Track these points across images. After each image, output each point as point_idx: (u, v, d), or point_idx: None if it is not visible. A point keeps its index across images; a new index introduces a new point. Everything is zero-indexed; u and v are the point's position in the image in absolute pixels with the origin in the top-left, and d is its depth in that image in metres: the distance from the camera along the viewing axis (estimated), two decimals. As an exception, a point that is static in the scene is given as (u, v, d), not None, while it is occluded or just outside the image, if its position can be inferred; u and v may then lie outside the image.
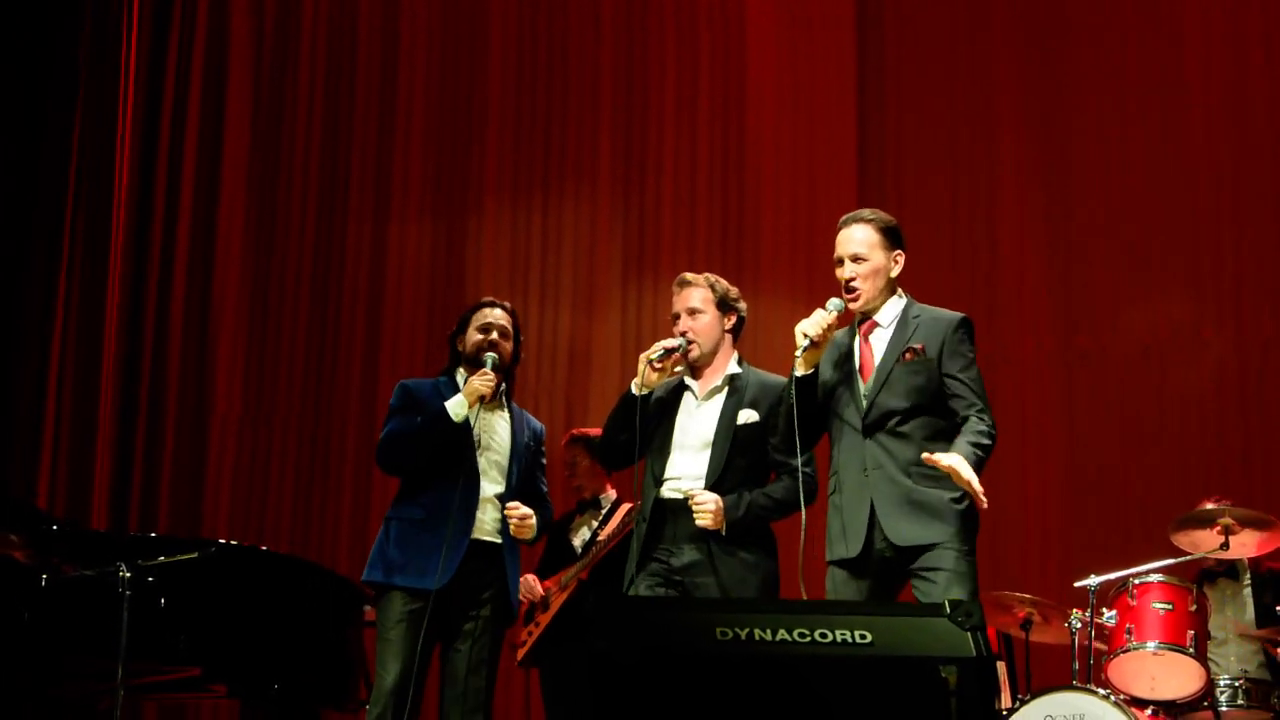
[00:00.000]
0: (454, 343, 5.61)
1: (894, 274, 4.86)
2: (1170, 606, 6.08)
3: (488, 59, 9.73)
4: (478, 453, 5.38)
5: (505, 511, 5.32)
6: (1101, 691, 5.70)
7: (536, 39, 9.74)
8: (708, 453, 5.10)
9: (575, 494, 7.02)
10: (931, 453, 4.50)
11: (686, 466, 5.10)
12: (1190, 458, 8.30)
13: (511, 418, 5.54)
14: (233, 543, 6.08)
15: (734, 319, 5.30)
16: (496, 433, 5.47)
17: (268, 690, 5.72)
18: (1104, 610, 6.17)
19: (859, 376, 4.78)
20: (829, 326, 4.73)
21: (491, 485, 5.39)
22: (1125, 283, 8.67)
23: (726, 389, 5.20)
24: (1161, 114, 8.73)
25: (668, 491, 5.09)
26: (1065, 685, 5.80)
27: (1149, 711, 5.86)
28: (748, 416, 5.13)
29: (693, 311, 5.24)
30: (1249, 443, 8.26)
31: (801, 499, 4.85)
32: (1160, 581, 6.15)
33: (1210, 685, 6.14)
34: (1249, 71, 8.61)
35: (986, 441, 4.58)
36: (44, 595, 5.32)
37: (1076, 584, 6.22)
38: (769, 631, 3.56)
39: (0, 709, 5.53)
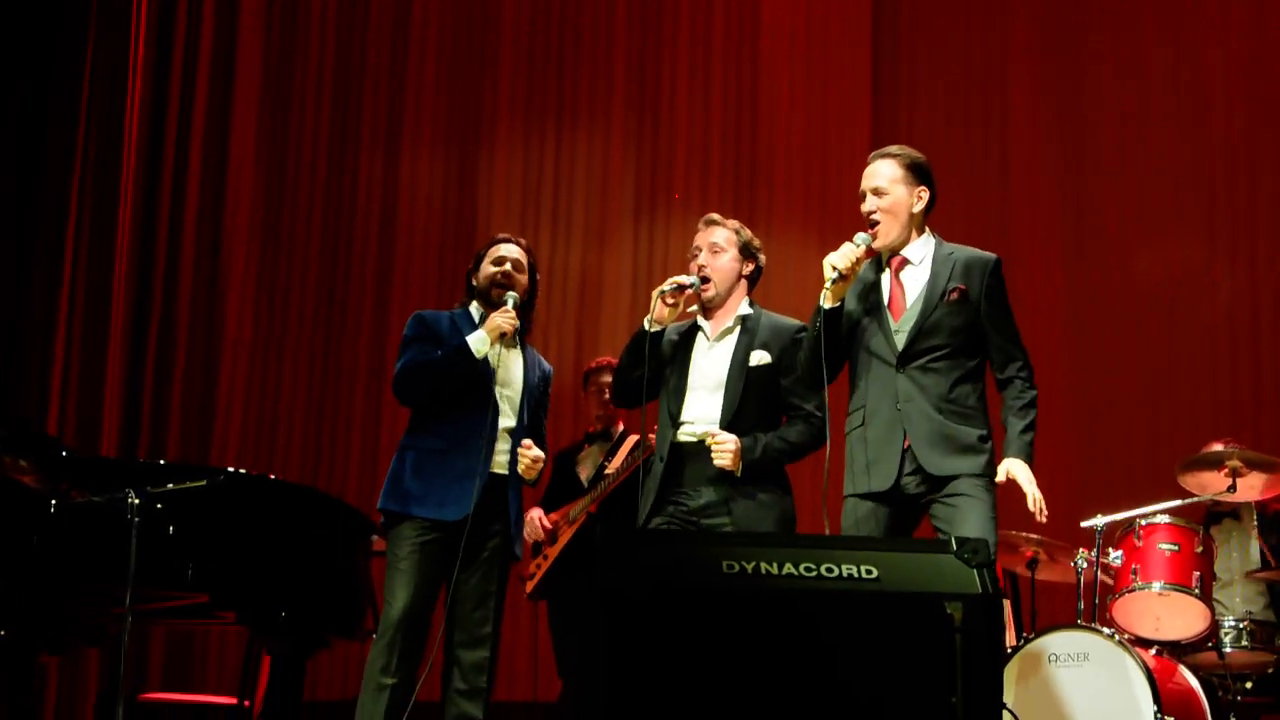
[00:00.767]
0: (470, 278, 5.59)
1: (916, 210, 4.84)
2: (1176, 547, 6.10)
3: (502, -10, 9.70)
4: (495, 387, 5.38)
5: (520, 450, 5.32)
6: (1106, 631, 5.73)
7: (552, -28, 9.70)
8: (721, 394, 5.09)
9: (596, 422, 7.01)
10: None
11: (701, 408, 5.09)
12: (1199, 399, 8.30)
13: (525, 356, 5.53)
14: (241, 471, 6.10)
15: (752, 266, 5.27)
16: (511, 369, 5.47)
17: (275, 617, 5.74)
18: (1110, 550, 6.19)
19: (888, 311, 4.78)
20: (858, 260, 4.73)
21: (504, 420, 5.38)
22: (1137, 224, 8.65)
23: (738, 330, 5.18)
24: (1175, 55, 8.69)
25: (684, 435, 5.09)
26: (1070, 624, 5.84)
27: (1153, 651, 5.87)
28: (760, 358, 5.11)
29: (715, 249, 5.22)
30: (1258, 385, 8.27)
31: (826, 438, 4.85)
32: (1167, 523, 6.18)
33: (1215, 626, 6.17)
34: (1266, 11, 8.54)
35: (1033, 414, 4.71)
36: (53, 521, 5.34)
37: (1083, 524, 6.23)
38: (775, 565, 3.56)
39: (12, 632, 5.55)
